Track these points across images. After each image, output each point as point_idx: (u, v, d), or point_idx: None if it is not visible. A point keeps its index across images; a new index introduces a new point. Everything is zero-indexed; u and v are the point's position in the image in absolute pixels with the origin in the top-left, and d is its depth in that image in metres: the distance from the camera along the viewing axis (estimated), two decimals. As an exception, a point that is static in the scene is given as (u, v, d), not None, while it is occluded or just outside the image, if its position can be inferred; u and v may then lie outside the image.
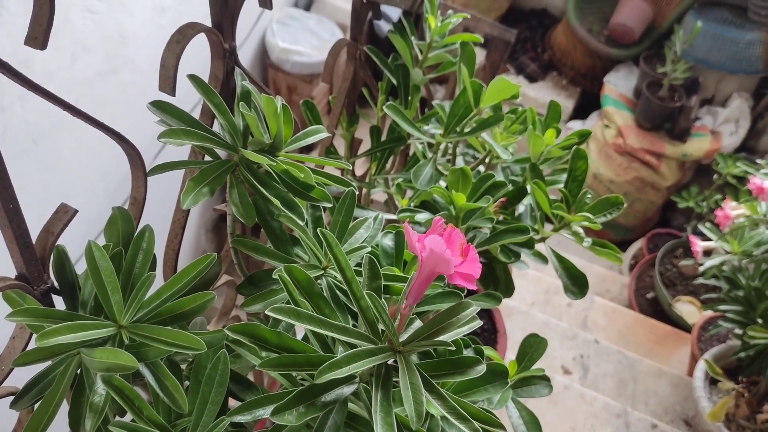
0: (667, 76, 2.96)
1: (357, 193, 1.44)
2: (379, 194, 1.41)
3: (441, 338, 0.63)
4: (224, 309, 0.98)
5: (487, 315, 1.72)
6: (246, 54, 2.95)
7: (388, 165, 1.39)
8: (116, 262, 0.62)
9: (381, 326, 0.61)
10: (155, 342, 0.59)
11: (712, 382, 1.88)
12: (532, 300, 2.49)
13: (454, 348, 0.60)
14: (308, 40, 3.04)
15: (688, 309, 2.58)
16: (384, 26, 3.16)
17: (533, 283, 2.52)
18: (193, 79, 0.71)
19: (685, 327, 2.54)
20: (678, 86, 3.02)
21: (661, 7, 3.18)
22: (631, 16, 3.15)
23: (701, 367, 1.87)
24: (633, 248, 3.17)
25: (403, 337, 0.62)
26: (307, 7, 3.33)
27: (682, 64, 2.93)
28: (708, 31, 2.94)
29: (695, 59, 3.02)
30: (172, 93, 0.67)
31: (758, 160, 1.93)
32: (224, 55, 0.74)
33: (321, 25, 3.11)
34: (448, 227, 0.63)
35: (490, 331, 1.67)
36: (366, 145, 1.29)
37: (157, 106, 0.69)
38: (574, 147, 1.12)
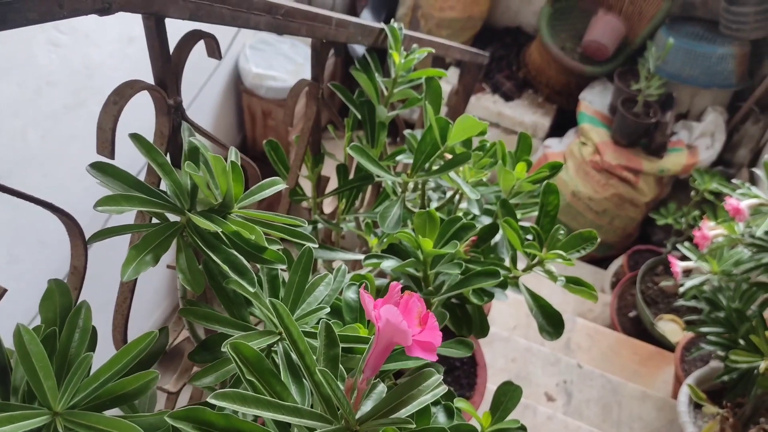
0: (642, 92, 2.96)
1: (325, 231, 1.40)
2: (353, 224, 1.38)
3: (403, 411, 0.59)
4: (184, 366, 0.93)
5: (466, 346, 1.68)
6: (219, 80, 2.92)
7: (359, 200, 1.36)
8: (50, 343, 0.58)
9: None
10: (91, 431, 0.54)
11: (697, 406, 1.85)
12: (514, 324, 2.46)
13: (414, 426, 0.56)
14: (282, 64, 3.01)
15: (670, 327, 2.56)
16: (359, 47, 3.14)
17: (514, 306, 2.49)
18: (135, 138, 0.67)
19: (668, 346, 2.52)
20: (653, 102, 3.02)
21: (633, 23, 3.19)
22: (604, 33, 3.15)
23: (685, 391, 1.84)
24: (614, 265, 3.15)
25: (361, 414, 0.58)
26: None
27: (656, 80, 2.94)
28: (680, 46, 2.96)
29: (669, 75, 3.03)
30: (111, 156, 0.63)
31: (734, 180, 1.92)
32: (169, 110, 0.70)
33: (295, 49, 3.08)
34: (405, 294, 0.59)
35: (469, 364, 1.63)
36: (334, 183, 1.26)
37: (97, 168, 0.65)
38: (545, 182, 1.09)
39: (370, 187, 1.45)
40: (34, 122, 1.82)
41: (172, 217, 0.69)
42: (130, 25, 2.13)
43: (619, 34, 3.17)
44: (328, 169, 1.30)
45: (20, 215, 1.78)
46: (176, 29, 0.80)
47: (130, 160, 1.01)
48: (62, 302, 0.62)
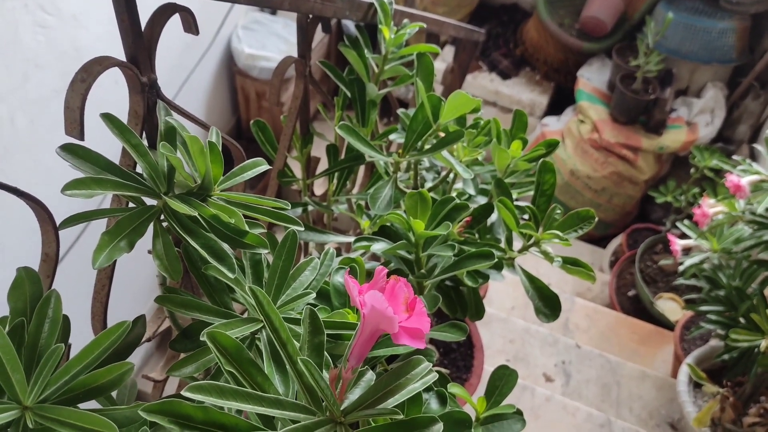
0: (641, 68, 2.92)
1: (316, 213, 1.37)
2: (345, 205, 1.35)
3: (391, 400, 0.57)
4: (170, 354, 0.91)
5: (463, 328, 1.66)
6: (211, 62, 2.87)
7: (352, 181, 1.33)
8: (18, 335, 0.55)
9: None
10: (62, 426, 0.52)
11: (697, 385, 1.84)
12: (512, 304, 2.44)
13: (402, 416, 0.54)
14: (275, 44, 2.96)
15: (670, 306, 2.54)
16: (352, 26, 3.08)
17: (512, 286, 2.47)
18: (107, 117, 0.64)
19: (667, 324, 2.50)
20: (652, 78, 2.98)
21: (632, -2, 3.13)
22: (602, 8, 3.10)
23: (685, 370, 1.82)
24: (613, 244, 3.12)
25: (346, 405, 0.55)
26: (274, 11, 3.25)
27: (655, 56, 2.89)
28: (680, 21, 2.90)
29: (668, 50, 2.98)
30: (80, 137, 0.60)
31: (734, 156, 1.89)
32: (143, 89, 0.67)
33: (288, 29, 3.03)
34: (392, 279, 0.56)
35: (466, 346, 1.61)
36: (324, 163, 1.22)
37: (68, 150, 0.62)
38: (541, 160, 1.06)
39: (363, 168, 1.42)
40: (22, 108, 1.79)
41: (149, 201, 0.66)
42: (118, 5, 2.08)
43: (617, 9, 3.12)
44: (319, 150, 1.26)
45: (7, 202, 1.75)
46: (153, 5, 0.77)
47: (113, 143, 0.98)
48: (32, 291, 0.59)
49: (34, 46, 1.79)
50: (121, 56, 0.67)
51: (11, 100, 1.74)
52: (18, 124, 1.79)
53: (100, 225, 0.70)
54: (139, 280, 2.38)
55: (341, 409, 0.55)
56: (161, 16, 0.67)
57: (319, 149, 1.25)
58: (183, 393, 0.48)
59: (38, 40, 1.80)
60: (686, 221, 1.87)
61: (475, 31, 2.11)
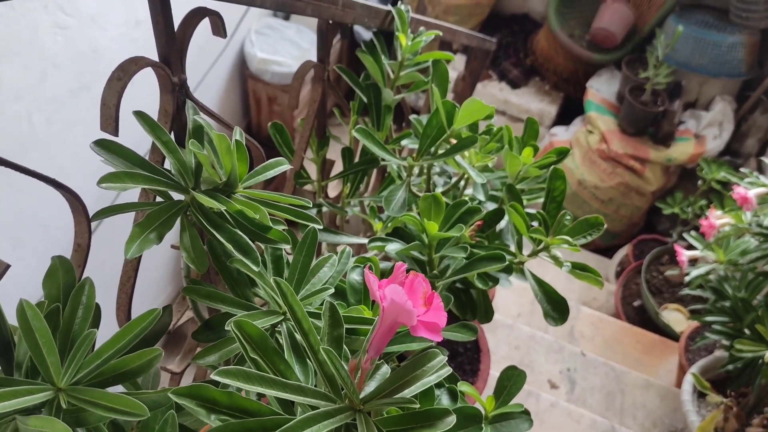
0: (650, 80, 2.94)
1: (329, 215, 1.39)
2: (358, 207, 1.38)
3: (407, 391, 0.59)
4: (189, 346, 0.93)
5: (470, 333, 1.68)
6: (224, 65, 2.91)
7: (364, 185, 1.35)
8: (54, 320, 0.58)
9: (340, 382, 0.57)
10: (94, 407, 0.54)
11: (701, 395, 1.85)
12: (518, 311, 2.45)
13: (418, 406, 0.56)
14: (287, 49, 3.00)
15: (675, 317, 2.55)
16: (364, 32, 3.12)
17: (518, 293, 2.49)
18: (139, 115, 0.66)
19: (672, 335, 2.51)
20: (661, 90, 3.00)
21: (642, 11, 3.16)
22: (613, 20, 3.13)
23: (689, 380, 1.84)
24: (619, 254, 3.14)
25: (364, 394, 0.58)
26: (287, 17, 3.29)
27: (665, 69, 2.91)
28: (690, 34, 2.93)
29: (677, 63, 3.00)
30: (115, 133, 0.63)
31: (742, 169, 1.91)
32: (173, 88, 0.69)
33: (300, 35, 3.07)
34: (410, 274, 0.59)
35: (472, 350, 1.63)
36: (339, 166, 1.25)
37: (101, 145, 0.65)
38: (552, 167, 1.09)
39: (375, 172, 1.45)
40: (39, 107, 1.82)
41: (176, 196, 0.68)
42: (136, 8, 2.11)
43: (627, 21, 3.14)
44: (334, 153, 1.29)
45: (23, 198, 1.78)
46: (182, 9, 0.80)
47: (137, 140, 1.01)
48: (66, 279, 0.62)
49: (53, 46, 1.82)
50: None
51: (29, 98, 1.78)
52: (35, 122, 1.83)
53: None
54: (153, 272, 2.41)
55: (360, 397, 0.57)
56: (193, 18, 0.70)
57: (333, 152, 1.27)
58: (212, 376, 0.51)
59: (57, 41, 1.84)
60: (693, 232, 1.89)
61: (486, 40, 2.14)
